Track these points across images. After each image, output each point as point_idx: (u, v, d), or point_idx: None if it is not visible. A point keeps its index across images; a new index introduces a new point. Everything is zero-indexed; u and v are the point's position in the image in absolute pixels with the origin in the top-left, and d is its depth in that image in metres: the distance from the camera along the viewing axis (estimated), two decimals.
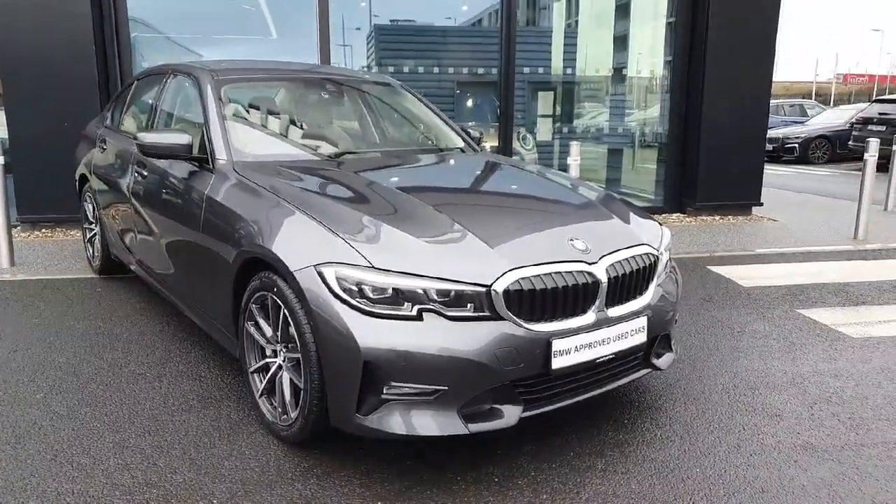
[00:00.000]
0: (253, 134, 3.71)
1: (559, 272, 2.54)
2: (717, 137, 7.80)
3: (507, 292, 2.43)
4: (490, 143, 8.36)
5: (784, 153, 17.01)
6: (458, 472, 2.59)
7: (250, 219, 2.87)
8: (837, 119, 17.58)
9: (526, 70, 8.37)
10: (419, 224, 2.64)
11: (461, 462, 2.66)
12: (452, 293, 2.40)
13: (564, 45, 9.24)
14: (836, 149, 16.81)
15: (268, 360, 2.83)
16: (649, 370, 2.99)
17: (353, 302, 2.39)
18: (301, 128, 3.92)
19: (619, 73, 9.28)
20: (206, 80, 3.73)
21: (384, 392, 2.39)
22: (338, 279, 2.41)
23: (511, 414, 2.49)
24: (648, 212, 8.18)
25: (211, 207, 3.16)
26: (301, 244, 2.59)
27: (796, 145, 16.93)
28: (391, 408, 2.40)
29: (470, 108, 9.99)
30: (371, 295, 2.38)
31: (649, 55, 9.00)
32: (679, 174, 8.18)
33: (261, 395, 2.88)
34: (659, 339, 2.99)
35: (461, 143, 4.25)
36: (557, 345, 2.50)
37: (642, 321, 2.77)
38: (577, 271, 2.58)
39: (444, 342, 2.36)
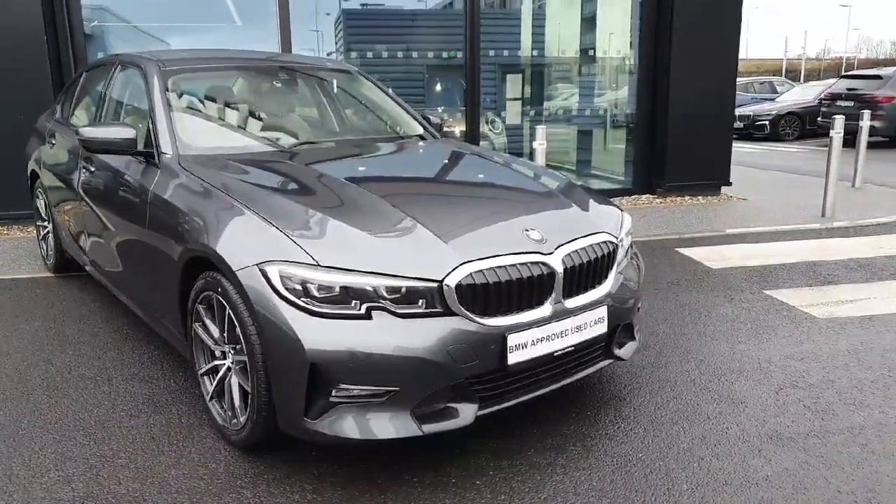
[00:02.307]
0: (202, 126, 3.57)
1: (513, 264, 2.46)
2: (684, 117, 7.74)
3: (459, 287, 2.34)
4: (458, 127, 8.26)
5: (755, 130, 17.08)
6: (415, 475, 2.51)
7: (194, 216, 2.75)
8: (806, 95, 17.67)
9: (491, 53, 8.24)
10: (367, 217, 2.54)
11: (419, 463, 2.57)
12: (403, 289, 2.31)
13: (533, 26, 9.12)
14: (807, 125, 16.91)
15: (217, 362, 2.72)
16: (611, 360, 2.92)
17: (298, 302, 2.28)
18: (254, 118, 3.78)
19: (587, 55, 9.18)
20: (153, 71, 3.58)
21: (332, 395, 2.30)
22: (282, 278, 2.31)
23: (467, 412, 2.41)
24: (618, 194, 8.19)
25: (156, 204, 3.03)
26: (244, 242, 2.48)
27: (767, 122, 17.00)
28: (341, 411, 2.31)
29: (439, 93, 9.84)
30: (317, 294, 2.28)
31: (618, 35, 8.90)
32: (648, 155, 8.12)
33: (211, 399, 2.77)
34: (621, 328, 2.93)
35: (420, 130, 4.14)
36: (513, 339, 2.42)
37: (602, 311, 2.70)
38: (532, 263, 2.50)
39: (394, 341, 2.28)
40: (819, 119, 15.65)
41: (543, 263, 2.52)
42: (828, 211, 6.90)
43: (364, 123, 4.38)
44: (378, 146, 3.78)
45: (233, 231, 2.54)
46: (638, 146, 8.20)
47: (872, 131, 8.57)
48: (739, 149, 14.38)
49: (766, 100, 18.96)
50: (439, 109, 9.20)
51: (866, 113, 8.16)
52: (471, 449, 2.67)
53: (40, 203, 4.96)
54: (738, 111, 17.01)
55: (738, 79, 8.82)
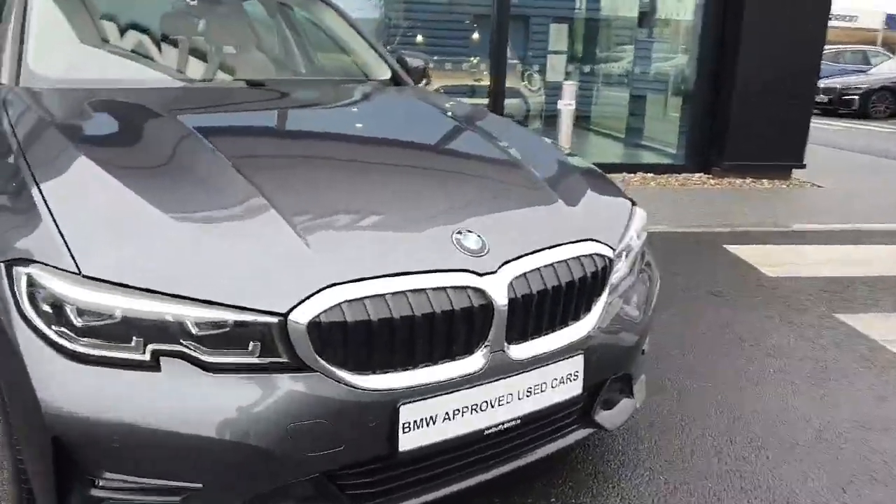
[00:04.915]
0: (72, 50, 2.69)
1: (420, 289, 1.50)
2: (755, 83, 6.59)
3: (317, 325, 1.41)
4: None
5: (841, 106, 15.45)
6: None
7: None
8: None
9: None
10: (192, 191, 1.63)
11: None
12: (229, 324, 1.40)
13: None
14: None
15: None
16: (591, 431, 1.95)
17: (47, 331, 1.39)
18: (152, 45, 2.90)
19: (645, 7, 8.04)
20: None
21: (97, 486, 1.42)
22: (30, 289, 1.42)
23: None
24: (667, 170, 7.07)
25: None
26: (2, 227, 1.59)
27: (856, 97, 15.35)
28: None
29: (477, 42, 9.08)
30: (75, 321, 1.38)
31: None
32: (706, 126, 6.98)
33: None
34: (610, 382, 1.95)
35: (388, 75, 3.17)
36: (410, 412, 1.50)
37: (576, 363, 1.74)
38: (455, 287, 1.54)
39: (194, 410, 1.38)
40: None
41: (474, 288, 1.55)
42: None
43: (310, 61, 3.41)
44: (305, 92, 2.86)
45: None
46: (695, 114, 7.05)
47: None
48: (820, 126, 12.90)
49: (858, 72, 17.08)
50: (473, 59, 8.39)
51: None
52: None
53: None
54: (822, 83, 15.35)
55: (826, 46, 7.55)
